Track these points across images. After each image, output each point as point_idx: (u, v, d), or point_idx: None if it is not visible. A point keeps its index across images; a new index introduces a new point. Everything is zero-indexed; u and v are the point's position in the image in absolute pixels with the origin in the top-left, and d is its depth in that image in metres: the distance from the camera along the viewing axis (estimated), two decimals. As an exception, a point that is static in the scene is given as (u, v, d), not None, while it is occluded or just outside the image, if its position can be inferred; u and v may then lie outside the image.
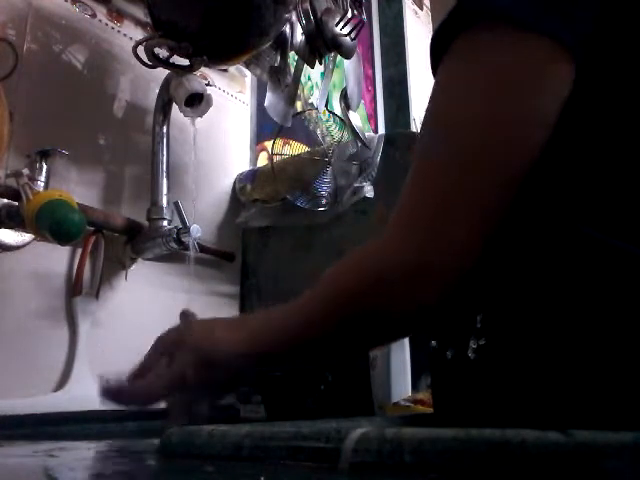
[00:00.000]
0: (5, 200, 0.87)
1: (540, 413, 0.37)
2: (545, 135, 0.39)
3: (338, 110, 1.24)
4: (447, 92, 0.43)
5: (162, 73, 1.09)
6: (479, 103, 0.40)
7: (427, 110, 0.44)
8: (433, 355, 0.44)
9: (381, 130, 1.77)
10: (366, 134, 1.21)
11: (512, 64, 0.39)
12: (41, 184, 0.90)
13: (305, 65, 1.14)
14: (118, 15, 1.15)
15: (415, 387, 0.82)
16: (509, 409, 0.38)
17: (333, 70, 1.21)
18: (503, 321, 0.39)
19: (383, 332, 0.45)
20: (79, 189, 1.00)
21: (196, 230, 1.02)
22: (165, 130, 1.10)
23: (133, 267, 1.08)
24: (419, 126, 1.31)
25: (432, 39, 0.43)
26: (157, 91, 1.12)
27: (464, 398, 0.41)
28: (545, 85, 0.39)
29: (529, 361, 0.38)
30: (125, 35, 1.16)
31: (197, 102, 1.06)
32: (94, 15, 1.11)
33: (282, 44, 1.13)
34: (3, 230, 0.89)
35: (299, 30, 1.11)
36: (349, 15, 1.09)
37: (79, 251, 0.99)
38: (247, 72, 1.33)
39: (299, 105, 1.38)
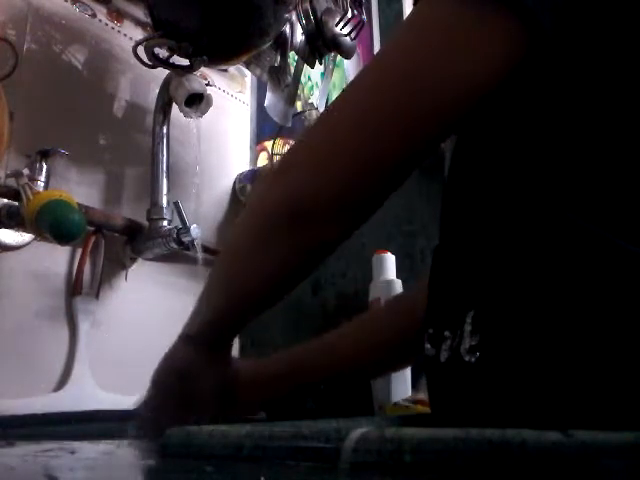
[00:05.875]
0: (5, 200, 0.87)
1: (538, 412, 0.36)
2: (471, 98, 0.41)
3: (338, 110, 1.24)
4: (399, 37, 0.46)
5: (162, 73, 1.09)
6: (420, 56, 0.42)
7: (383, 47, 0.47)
8: (427, 360, 0.44)
9: (381, 130, 1.77)
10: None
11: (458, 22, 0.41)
12: (41, 184, 0.90)
13: (305, 65, 1.13)
14: (118, 15, 1.15)
15: (415, 387, 0.82)
16: (506, 409, 0.38)
17: (333, 70, 1.21)
18: (495, 319, 0.39)
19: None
20: (79, 189, 1.00)
21: (196, 230, 1.02)
22: (165, 130, 1.10)
23: (133, 267, 1.08)
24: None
25: None
26: (157, 91, 1.12)
27: (461, 401, 0.41)
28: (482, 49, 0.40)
29: (525, 359, 0.37)
30: (125, 35, 1.16)
31: (197, 102, 1.06)
32: (94, 15, 1.11)
33: (282, 44, 1.12)
34: (3, 230, 0.89)
35: (299, 30, 1.11)
36: (349, 15, 1.09)
37: (79, 251, 0.99)
38: (247, 72, 1.33)
39: (299, 105, 1.38)
